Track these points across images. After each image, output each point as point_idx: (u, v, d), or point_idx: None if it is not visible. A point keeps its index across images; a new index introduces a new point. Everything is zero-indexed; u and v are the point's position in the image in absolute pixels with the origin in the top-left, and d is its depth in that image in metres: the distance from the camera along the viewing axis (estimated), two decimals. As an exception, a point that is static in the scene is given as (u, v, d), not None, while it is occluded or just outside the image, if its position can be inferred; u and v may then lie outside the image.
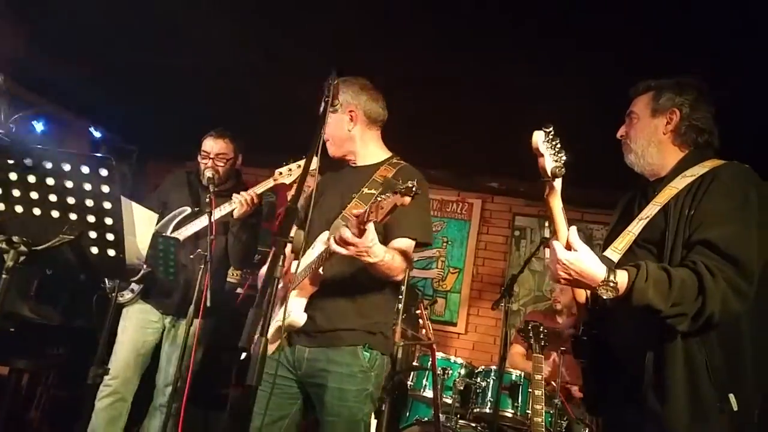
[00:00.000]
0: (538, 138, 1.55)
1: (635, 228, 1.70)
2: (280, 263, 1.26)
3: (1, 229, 1.61)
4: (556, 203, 1.62)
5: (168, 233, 2.94)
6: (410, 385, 3.35)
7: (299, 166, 2.93)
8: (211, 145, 3.08)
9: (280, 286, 1.76)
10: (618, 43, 2.83)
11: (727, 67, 2.71)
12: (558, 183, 1.59)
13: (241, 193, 2.92)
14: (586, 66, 3.07)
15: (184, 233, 2.91)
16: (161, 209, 3.09)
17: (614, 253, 1.68)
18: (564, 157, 1.57)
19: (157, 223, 2.99)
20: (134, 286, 2.92)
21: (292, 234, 1.31)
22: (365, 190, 1.91)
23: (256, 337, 1.24)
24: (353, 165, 2.09)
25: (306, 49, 3.42)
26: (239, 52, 3.59)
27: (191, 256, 2.86)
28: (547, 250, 3.32)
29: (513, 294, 2.93)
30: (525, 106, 3.61)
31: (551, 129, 1.59)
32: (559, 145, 1.58)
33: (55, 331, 3.65)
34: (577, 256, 1.51)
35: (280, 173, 2.99)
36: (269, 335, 1.81)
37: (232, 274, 4.24)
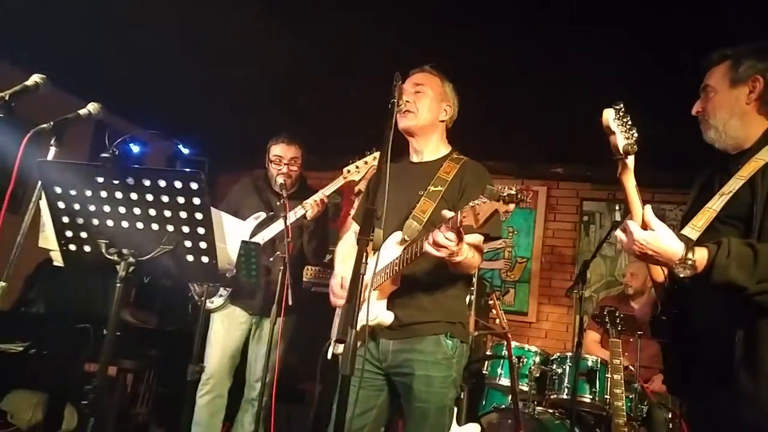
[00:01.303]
0: (609, 115, 1.52)
1: (716, 204, 1.60)
2: (365, 261, 1.36)
3: (112, 244, 1.80)
4: (630, 181, 1.58)
5: (246, 239, 3.12)
6: (486, 373, 3.40)
7: (366, 162, 3.04)
8: (285, 150, 3.23)
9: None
10: (680, 15, 2.75)
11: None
12: (631, 161, 1.56)
13: (312, 197, 3.08)
14: (649, 44, 3.00)
15: (262, 238, 3.09)
16: (233, 215, 3.27)
17: (693, 230, 1.60)
18: (636, 134, 1.54)
19: (238, 230, 3.20)
20: (222, 291, 3.13)
21: (373, 233, 1.40)
22: (431, 188, 1.96)
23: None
24: (414, 161, 2.13)
25: (361, 51, 3.52)
26: (297, 62, 3.75)
27: (271, 259, 3.03)
28: (620, 232, 3.30)
29: (586, 280, 2.91)
30: (587, 91, 3.57)
31: (621, 106, 1.56)
32: (630, 122, 1.54)
33: (151, 334, 3.98)
34: (654, 234, 1.47)
35: (348, 171, 3.11)
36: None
37: (306, 273, 4.42)
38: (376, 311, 1.84)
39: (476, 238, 1.91)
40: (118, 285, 1.79)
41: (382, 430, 2.83)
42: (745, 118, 1.66)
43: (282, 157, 3.22)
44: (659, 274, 1.73)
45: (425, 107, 2.06)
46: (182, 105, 4.55)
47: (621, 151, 1.53)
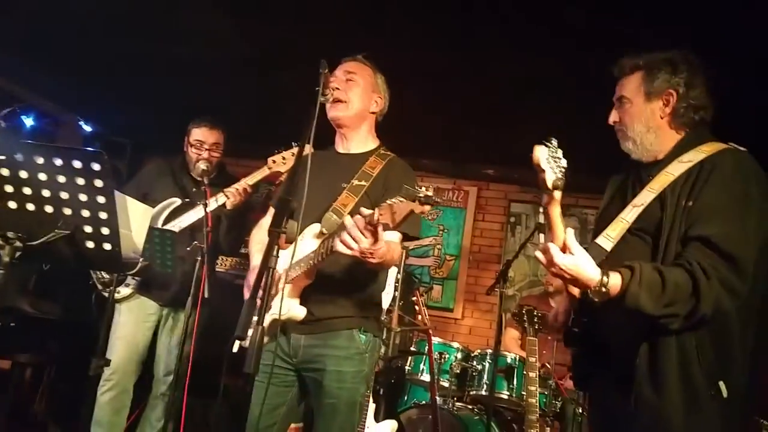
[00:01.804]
0: (541, 154, 1.53)
1: (629, 215, 1.63)
2: (275, 254, 1.28)
3: (-4, 227, 1.62)
4: (556, 212, 1.62)
5: (159, 225, 2.95)
6: (408, 369, 3.40)
7: (293, 154, 2.93)
8: (207, 135, 3.07)
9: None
10: (601, 26, 2.82)
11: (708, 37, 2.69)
12: (558, 194, 1.59)
13: (234, 185, 2.94)
14: (583, 44, 3.06)
15: (178, 225, 2.92)
16: (141, 199, 3.07)
17: (607, 241, 1.63)
18: (564, 166, 1.55)
19: (150, 216, 3.01)
20: (130, 280, 2.94)
21: (286, 225, 1.32)
22: (355, 182, 1.92)
23: (252, 326, 1.26)
24: (340, 151, 2.07)
25: (295, 40, 3.42)
26: (230, 43, 3.58)
27: (188, 249, 2.87)
28: (539, 253, 3.38)
29: (508, 279, 2.96)
30: (517, 94, 3.64)
31: (554, 142, 1.56)
32: (560, 156, 1.55)
33: (54, 325, 3.69)
34: (573, 259, 1.49)
35: (274, 161, 2.98)
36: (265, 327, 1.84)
37: (221, 264, 4.26)
38: (289, 305, 1.77)
39: (395, 237, 1.87)
40: (0, 272, 1.61)
41: (301, 425, 2.78)
42: (660, 132, 1.68)
43: (203, 141, 3.07)
44: (574, 288, 1.76)
45: (356, 97, 2.00)
46: (106, 84, 4.26)
47: (550, 187, 1.56)
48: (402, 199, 1.47)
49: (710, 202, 1.52)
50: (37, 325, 3.55)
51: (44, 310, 3.63)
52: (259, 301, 1.25)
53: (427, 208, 1.45)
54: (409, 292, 3.68)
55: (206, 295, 2.67)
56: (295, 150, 2.93)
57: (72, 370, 3.46)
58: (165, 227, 2.92)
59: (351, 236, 1.57)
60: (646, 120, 1.69)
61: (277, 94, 4.04)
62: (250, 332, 1.94)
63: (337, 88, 1.96)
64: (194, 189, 3.02)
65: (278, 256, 1.31)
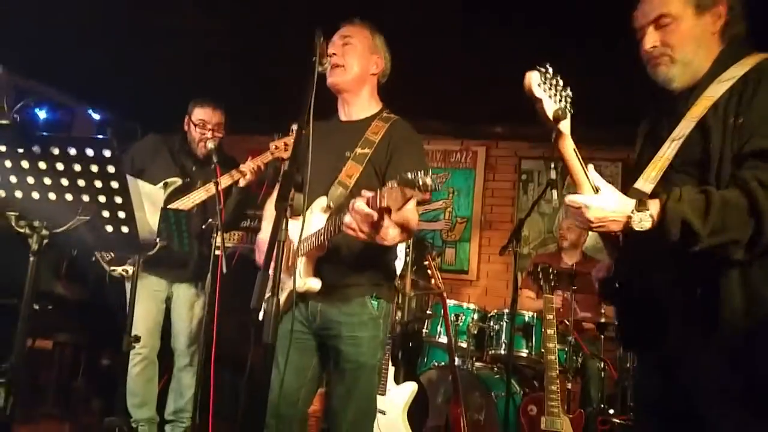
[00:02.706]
0: (532, 80, 1.35)
1: (668, 151, 1.46)
2: (283, 227, 1.33)
3: (23, 216, 1.70)
4: (567, 148, 1.42)
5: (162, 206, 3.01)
6: (426, 332, 3.47)
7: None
8: (210, 115, 3.10)
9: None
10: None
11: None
12: (566, 125, 1.40)
13: (247, 163, 2.99)
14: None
15: (184, 206, 2.98)
16: (136, 175, 3.04)
17: (646, 183, 1.46)
18: (569, 96, 1.38)
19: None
20: (132, 259, 3.00)
21: (292, 199, 1.37)
22: (359, 151, 1.91)
23: (266, 297, 1.32)
24: (342, 119, 2.05)
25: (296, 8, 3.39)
26: (232, 22, 3.58)
27: (203, 227, 2.95)
28: (554, 192, 3.34)
29: (521, 238, 2.97)
30: (526, 49, 3.58)
31: (548, 68, 1.38)
32: (560, 84, 1.39)
33: (87, 306, 3.87)
34: (601, 198, 1.37)
35: (276, 147, 2.99)
36: (281, 301, 1.90)
37: (230, 239, 4.33)
38: (304, 279, 1.82)
39: (410, 206, 1.88)
40: (31, 259, 1.70)
41: (324, 390, 2.87)
42: (707, 50, 1.50)
43: (207, 122, 3.09)
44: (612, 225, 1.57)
45: (354, 60, 1.97)
46: (111, 67, 4.29)
47: (551, 118, 1.39)
48: (401, 185, 1.44)
49: (764, 112, 1.35)
50: (71, 307, 3.72)
51: (76, 292, 3.79)
52: (271, 274, 1.30)
53: (428, 195, 1.44)
54: (421, 256, 3.74)
55: (224, 271, 2.75)
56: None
57: (107, 347, 3.63)
58: (171, 206, 3.00)
59: (356, 222, 1.58)
60: (698, 36, 1.49)
61: (278, 67, 4.04)
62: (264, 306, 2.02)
63: (334, 54, 1.94)
64: (194, 168, 3.05)
65: (287, 229, 1.35)
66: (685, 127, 1.45)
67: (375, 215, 1.56)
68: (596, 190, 1.40)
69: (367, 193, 1.59)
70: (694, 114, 1.45)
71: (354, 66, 1.97)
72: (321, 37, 1.70)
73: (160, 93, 4.65)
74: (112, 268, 2.94)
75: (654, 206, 1.35)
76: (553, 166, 4.73)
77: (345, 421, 1.88)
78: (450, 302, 3.47)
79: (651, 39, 1.51)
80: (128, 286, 3.04)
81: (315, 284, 1.83)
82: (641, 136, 1.68)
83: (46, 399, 3.63)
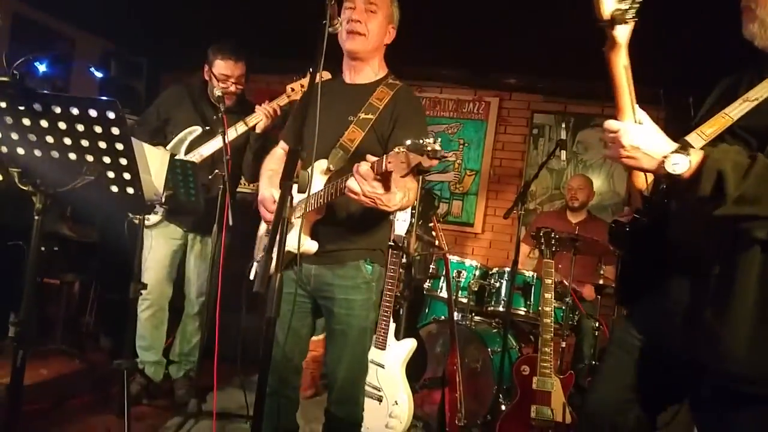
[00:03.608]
0: None
1: (735, 111, 1.34)
2: (288, 204, 1.32)
3: (25, 173, 1.69)
4: (618, 61, 1.27)
5: (181, 155, 3.02)
6: (427, 286, 3.53)
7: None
8: (233, 68, 3.04)
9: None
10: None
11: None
12: (623, 33, 1.23)
13: (263, 105, 2.96)
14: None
15: (199, 155, 2.98)
16: (162, 125, 3.13)
17: (699, 138, 1.34)
18: (636, 1, 1.20)
19: (167, 146, 3.07)
20: (158, 208, 3.04)
21: (297, 177, 1.35)
22: (362, 116, 1.89)
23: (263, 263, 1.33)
24: (348, 82, 2.01)
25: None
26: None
27: (210, 177, 2.95)
28: (563, 152, 3.28)
29: (526, 201, 2.96)
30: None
31: None
32: None
33: (92, 247, 3.93)
34: (642, 128, 1.28)
35: (293, 89, 3.00)
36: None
37: (244, 185, 4.34)
38: (301, 240, 1.81)
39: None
40: (36, 218, 1.71)
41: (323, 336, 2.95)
42: None
43: (230, 76, 3.04)
44: (640, 179, 1.52)
45: (375, 29, 1.92)
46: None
47: (605, 18, 1.20)
48: (409, 150, 1.42)
49: None
50: (78, 248, 3.78)
51: (82, 234, 3.84)
52: (275, 254, 1.30)
53: (435, 162, 1.42)
54: (428, 210, 3.74)
55: (230, 223, 2.78)
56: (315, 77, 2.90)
57: (115, 287, 3.71)
58: (186, 156, 2.99)
59: (360, 186, 1.56)
60: None
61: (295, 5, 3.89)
62: (256, 264, 2.03)
63: (358, 21, 1.88)
64: (215, 117, 3.03)
65: (292, 206, 1.34)
66: (762, 91, 1.33)
67: (379, 179, 1.55)
68: (638, 123, 1.30)
69: (372, 158, 1.58)
70: None
71: (374, 34, 1.93)
72: (333, 1, 1.64)
73: (171, 29, 4.53)
74: (134, 216, 2.98)
75: (696, 155, 1.24)
76: (563, 125, 4.64)
77: (337, 380, 1.95)
78: (453, 258, 3.50)
79: None
80: (147, 233, 3.10)
81: (312, 246, 1.84)
82: (716, 91, 1.52)
83: (54, 335, 3.75)
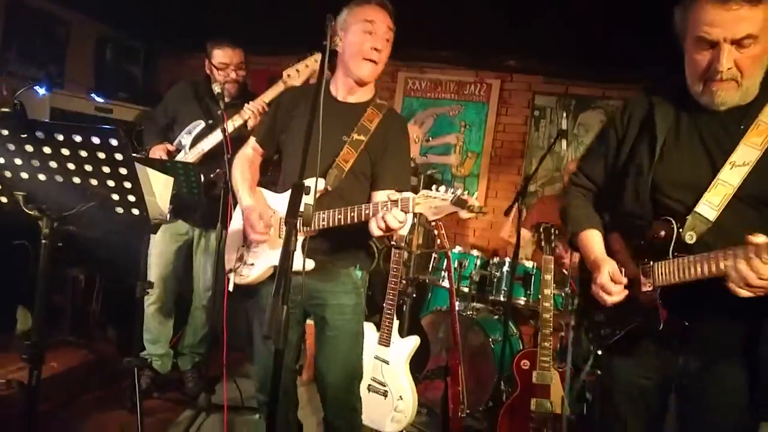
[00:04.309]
0: None
1: (731, 178, 1.39)
2: (294, 240, 1.34)
3: (30, 198, 1.71)
4: None
5: (187, 149, 3.04)
6: (429, 275, 3.57)
7: (306, 66, 2.90)
8: (231, 56, 3.08)
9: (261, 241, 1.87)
10: None
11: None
12: None
13: (251, 103, 2.95)
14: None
15: (200, 151, 3.00)
16: (170, 122, 3.18)
17: (711, 209, 1.41)
18: None
19: (173, 141, 3.08)
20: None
21: (302, 212, 1.37)
22: (355, 136, 1.90)
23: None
24: (339, 99, 1.99)
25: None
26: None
27: (211, 175, 2.96)
28: (564, 141, 3.26)
29: (526, 195, 2.97)
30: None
31: None
32: None
33: (97, 241, 3.95)
34: None
35: (288, 75, 2.97)
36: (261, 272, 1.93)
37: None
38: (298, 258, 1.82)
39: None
40: (43, 242, 1.73)
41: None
42: (763, 70, 1.41)
43: (228, 63, 3.08)
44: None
45: (386, 57, 1.93)
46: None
47: None
48: (454, 204, 1.53)
49: None
50: (83, 244, 3.81)
51: (87, 229, 3.86)
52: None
53: (472, 214, 1.48)
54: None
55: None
56: (309, 61, 2.89)
57: (120, 278, 3.75)
58: (191, 150, 3.01)
59: (390, 225, 1.63)
60: (762, 60, 1.38)
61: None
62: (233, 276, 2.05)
63: (378, 50, 1.88)
64: (220, 110, 3.04)
65: (296, 241, 1.36)
66: (747, 155, 1.39)
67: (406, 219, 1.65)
68: None
69: (395, 196, 1.65)
70: (756, 141, 1.39)
71: (383, 62, 1.94)
72: (332, 20, 1.64)
73: (166, 11, 4.45)
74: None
75: None
76: (564, 115, 4.61)
77: (330, 385, 2.00)
78: (455, 249, 3.54)
79: (730, 59, 1.36)
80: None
81: (309, 265, 1.87)
82: (663, 120, 1.53)
83: (61, 326, 3.81)
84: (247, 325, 3.85)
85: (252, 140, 2.15)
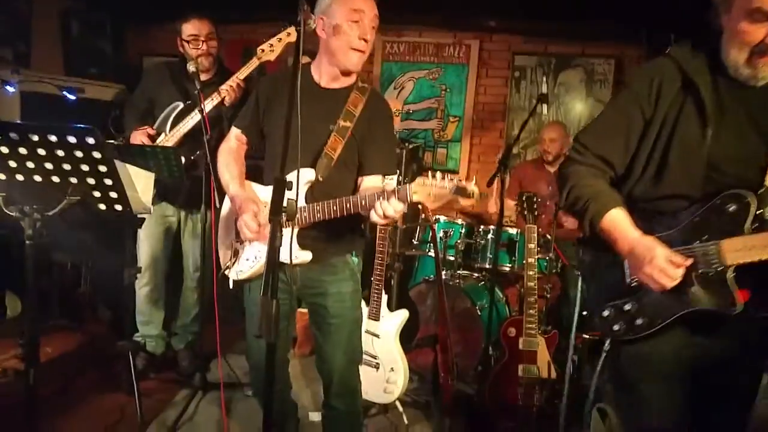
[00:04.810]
0: None
1: None
2: (279, 236, 1.35)
3: (12, 201, 1.69)
4: None
5: (167, 131, 3.01)
6: (415, 245, 3.62)
7: (280, 40, 2.86)
8: (199, 27, 3.02)
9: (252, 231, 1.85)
10: None
11: None
12: None
13: (227, 83, 2.91)
14: None
15: (179, 134, 2.96)
16: (149, 106, 3.14)
17: None
18: None
19: (154, 124, 3.04)
20: None
21: (285, 208, 1.37)
22: (341, 123, 1.88)
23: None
24: (322, 85, 1.96)
25: None
26: None
27: (192, 158, 2.93)
28: (545, 106, 3.27)
29: (509, 165, 2.97)
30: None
31: None
32: None
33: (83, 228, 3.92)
34: None
35: (263, 50, 2.92)
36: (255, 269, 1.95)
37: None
38: (295, 252, 1.80)
39: (378, 181, 1.93)
40: (27, 243, 1.72)
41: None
42: None
43: (197, 35, 3.03)
44: None
45: (372, 43, 1.89)
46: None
47: None
48: (456, 193, 1.50)
49: None
50: (66, 229, 3.78)
51: (71, 226, 3.82)
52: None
53: (471, 200, 1.50)
54: (416, 170, 3.76)
55: (218, 205, 2.79)
56: (282, 35, 2.85)
57: (108, 260, 3.73)
58: (171, 131, 2.97)
59: (388, 213, 1.62)
60: None
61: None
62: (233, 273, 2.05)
63: (367, 40, 1.85)
64: (196, 90, 2.99)
65: (281, 244, 1.37)
66: None
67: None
68: None
69: (391, 186, 1.67)
70: None
71: (370, 50, 1.90)
72: (305, 5, 1.60)
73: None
74: None
75: None
76: (545, 80, 4.58)
77: (335, 373, 2.04)
78: (441, 218, 3.57)
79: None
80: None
81: (307, 257, 1.88)
82: (666, 96, 1.49)
83: (51, 310, 3.82)
84: (237, 301, 3.93)
85: (235, 130, 2.10)
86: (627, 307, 1.55)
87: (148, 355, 3.26)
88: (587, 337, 2.82)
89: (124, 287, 2.89)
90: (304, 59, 2.22)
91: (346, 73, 1.93)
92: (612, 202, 1.53)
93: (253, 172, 2.15)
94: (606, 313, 1.59)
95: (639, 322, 1.52)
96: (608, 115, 1.63)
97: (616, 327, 1.57)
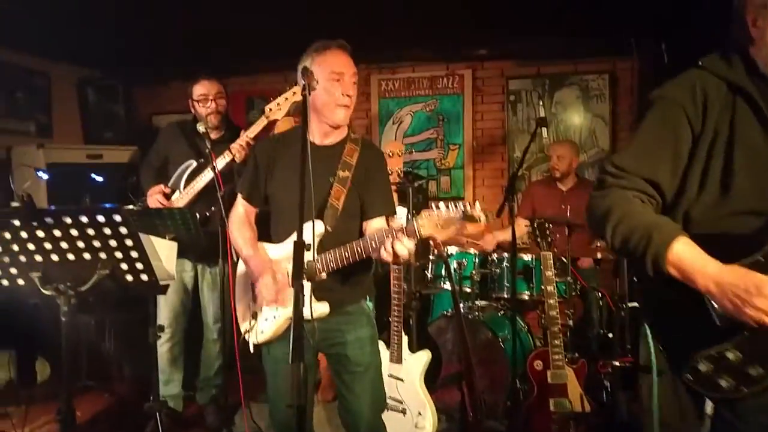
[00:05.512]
0: None
1: None
2: (302, 305, 1.40)
3: (47, 280, 1.76)
4: None
5: (181, 188, 3.11)
6: (430, 279, 3.62)
7: (286, 99, 2.94)
8: (208, 87, 3.17)
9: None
10: None
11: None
12: None
13: (237, 141, 3.00)
14: None
15: (192, 192, 3.06)
16: (164, 163, 3.25)
17: None
18: None
19: (168, 181, 3.14)
20: None
21: (306, 269, 1.43)
22: (340, 173, 1.97)
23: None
24: (317, 144, 2.03)
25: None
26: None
27: (207, 214, 3.01)
28: (545, 130, 3.33)
29: (515, 192, 3.03)
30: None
31: None
32: None
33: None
34: None
35: (270, 109, 3.01)
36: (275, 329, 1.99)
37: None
38: (312, 306, 1.84)
39: (381, 223, 2.00)
40: (63, 320, 1.79)
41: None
42: None
43: (207, 94, 3.17)
44: None
45: (355, 97, 2.00)
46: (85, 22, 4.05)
47: None
48: (465, 220, 1.55)
49: None
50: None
51: (102, 299, 3.90)
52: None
53: (479, 225, 1.55)
54: (421, 200, 3.81)
55: (235, 260, 2.85)
56: (288, 95, 2.93)
57: (130, 317, 3.79)
58: (185, 189, 3.09)
59: (399, 251, 1.68)
60: None
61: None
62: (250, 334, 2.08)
63: (350, 96, 1.96)
64: (207, 149, 3.09)
65: (304, 306, 1.42)
66: None
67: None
68: None
69: (398, 223, 1.72)
70: None
71: (354, 103, 2.00)
72: (309, 72, 1.81)
73: (135, 44, 4.43)
74: None
75: None
76: (541, 104, 4.67)
77: (363, 421, 2.05)
78: (452, 250, 3.59)
79: None
80: None
81: (325, 309, 1.91)
82: (722, 101, 1.35)
83: (79, 371, 3.86)
84: (257, 348, 3.96)
85: (240, 198, 2.18)
86: (730, 356, 1.28)
87: (171, 411, 3.29)
88: (617, 364, 2.80)
89: (148, 345, 2.93)
90: (291, 120, 2.32)
91: (335, 128, 2.03)
92: (675, 231, 1.30)
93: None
94: (703, 367, 1.31)
95: (754, 373, 1.27)
96: (648, 131, 1.41)
97: (723, 383, 1.30)
